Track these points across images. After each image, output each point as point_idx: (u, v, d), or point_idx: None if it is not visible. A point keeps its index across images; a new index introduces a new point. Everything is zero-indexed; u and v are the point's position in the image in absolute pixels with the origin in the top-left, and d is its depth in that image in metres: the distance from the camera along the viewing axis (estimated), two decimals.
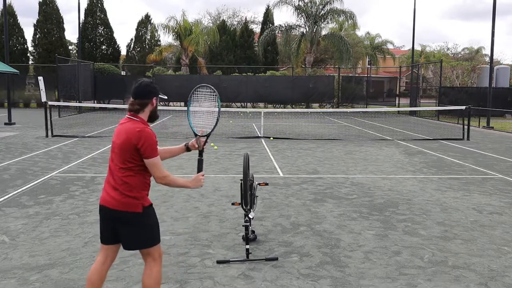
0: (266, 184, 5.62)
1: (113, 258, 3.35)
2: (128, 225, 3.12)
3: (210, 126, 3.53)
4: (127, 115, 3.18)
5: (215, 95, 3.56)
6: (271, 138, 14.76)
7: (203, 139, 3.48)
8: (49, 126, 14.53)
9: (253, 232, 5.19)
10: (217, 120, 3.49)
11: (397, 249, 4.94)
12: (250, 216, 4.69)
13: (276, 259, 4.57)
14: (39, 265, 4.39)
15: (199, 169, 3.42)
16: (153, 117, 3.23)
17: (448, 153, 12.06)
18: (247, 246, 4.59)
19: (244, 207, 4.71)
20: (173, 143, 13.36)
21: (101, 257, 3.29)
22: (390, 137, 15.74)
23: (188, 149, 3.52)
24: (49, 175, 8.58)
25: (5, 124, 18.51)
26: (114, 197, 3.08)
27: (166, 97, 3.41)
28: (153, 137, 3.09)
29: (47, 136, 14.40)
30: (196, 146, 3.49)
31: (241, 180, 4.86)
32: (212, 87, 3.58)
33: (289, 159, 10.76)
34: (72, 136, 14.56)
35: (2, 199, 6.84)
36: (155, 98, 3.20)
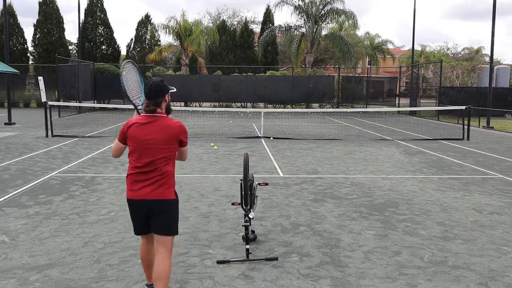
0: (266, 184, 5.62)
1: (153, 241, 3.59)
2: (166, 212, 3.42)
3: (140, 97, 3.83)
4: (145, 114, 3.43)
5: (135, 68, 3.95)
6: (271, 138, 14.75)
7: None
8: (49, 126, 14.53)
9: (253, 232, 5.19)
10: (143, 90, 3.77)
11: (397, 249, 4.94)
12: (250, 216, 4.69)
13: (276, 259, 4.57)
14: (39, 265, 4.39)
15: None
16: (168, 110, 3.52)
17: (448, 153, 12.06)
18: (247, 246, 4.59)
19: (244, 207, 4.71)
20: None
21: (144, 240, 3.63)
22: (390, 137, 15.74)
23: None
24: (49, 175, 8.58)
25: (5, 124, 18.52)
26: (158, 189, 3.37)
27: (174, 89, 3.65)
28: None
29: (47, 136, 14.40)
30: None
31: (241, 180, 4.86)
32: (132, 62, 3.95)
33: (289, 159, 10.76)
34: (72, 136, 14.56)
35: (2, 199, 6.84)
36: (167, 94, 3.48)
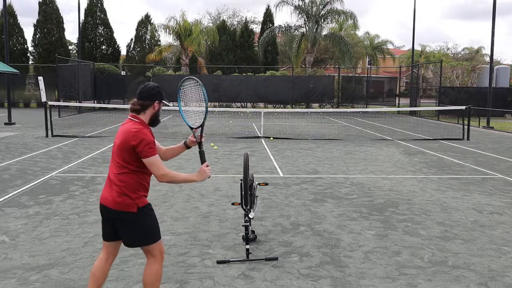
0: (266, 184, 5.62)
1: (115, 255, 3.41)
2: (125, 224, 3.18)
3: (202, 117, 3.51)
4: (129, 116, 3.24)
5: (200, 85, 3.53)
6: (271, 138, 14.75)
7: (199, 130, 3.48)
8: (49, 126, 14.53)
9: (253, 232, 5.19)
10: (207, 109, 3.46)
11: (397, 249, 4.94)
12: (250, 216, 4.69)
13: (276, 259, 4.57)
14: (39, 265, 4.39)
15: (202, 160, 3.42)
16: (154, 121, 3.28)
17: (448, 153, 12.06)
18: (247, 246, 4.59)
19: (244, 207, 4.71)
20: (173, 143, 13.36)
21: (104, 254, 3.37)
22: (390, 137, 15.74)
23: (187, 146, 3.53)
24: (49, 175, 8.58)
25: (5, 124, 18.52)
26: (111, 196, 3.14)
27: (169, 104, 3.43)
28: (150, 137, 3.14)
29: (47, 136, 14.40)
30: (194, 140, 3.50)
31: (241, 180, 4.86)
32: (195, 78, 3.57)
33: (289, 159, 10.76)
34: (72, 136, 14.56)
35: (2, 199, 6.84)
36: (157, 102, 3.25)
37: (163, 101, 3.33)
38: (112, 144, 3.28)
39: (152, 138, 3.16)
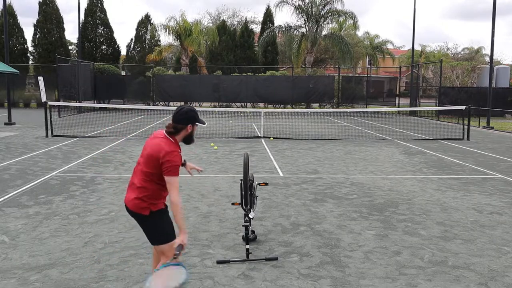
0: (266, 184, 5.62)
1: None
2: (140, 224, 3.52)
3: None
4: (164, 131, 3.50)
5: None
6: (271, 138, 14.75)
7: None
8: (49, 126, 14.53)
9: (253, 232, 5.19)
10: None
11: (397, 249, 4.94)
12: (250, 216, 4.69)
13: (276, 259, 4.57)
14: (39, 265, 4.39)
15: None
16: (188, 140, 3.56)
17: (448, 153, 12.06)
18: (247, 246, 4.59)
19: (244, 207, 4.71)
20: None
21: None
22: (390, 137, 15.74)
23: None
24: (49, 175, 8.58)
25: (5, 124, 18.51)
26: (131, 198, 3.43)
27: (205, 123, 3.65)
28: (178, 159, 3.39)
29: (47, 136, 14.40)
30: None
31: (241, 180, 4.86)
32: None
33: (289, 159, 10.76)
34: (72, 136, 14.56)
35: (2, 199, 6.84)
36: (190, 125, 3.49)
37: (197, 123, 3.55)
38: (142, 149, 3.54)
39: (179, 162, 3.41)
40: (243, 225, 4.78)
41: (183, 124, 3.45)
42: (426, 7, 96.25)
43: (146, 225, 3.46)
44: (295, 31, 34.89)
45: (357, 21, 33.93)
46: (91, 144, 12.86)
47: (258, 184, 5.43)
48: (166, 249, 3.45)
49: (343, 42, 32.91)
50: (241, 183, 4.84)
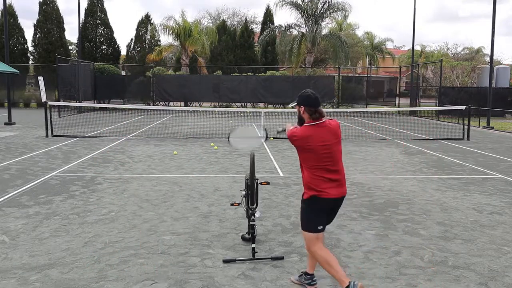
0: (268, 183, 5.61)
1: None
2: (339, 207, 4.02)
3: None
4: (324, 119, 3.91)
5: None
6: (271, 138, 14.75)
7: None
8: (49, 126, 14.53)
9: (253, 232, 5.18)
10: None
11: (397, 249, 4.94)
12: (256, 215, 4.67)
13: (282, 258, 4.56)
14: (39, 265, 4.39)
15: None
16: (299, 121, 4.22)
17: (448, 153, 12.06)
18: (253, 245, 4.58)
19: (250, 206, 4.69)
20: (173, 143, 13.38)
21: (322, 242, 3.84)
22: (390, 137, 15.74)
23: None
24: (49, 175, 8.58)
25: (5, 124, 18.52)
26: (344, 186, 3.92)
27: (294, 103, 4.18)
28: None
29: (47, 136, 14.40)
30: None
31: (246, 179, 4.85)
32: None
33: (289, 159, 10.76)
34: (72, 136, 14.56)
35: (2, 199, 6.84)
36: (298, 106, 4.18)
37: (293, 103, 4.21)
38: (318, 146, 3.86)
39: None
40: (249, 224, 4.77)
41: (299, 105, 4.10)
42: (426, 7, 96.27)
43: (300, 209, 3.86)
44: (295, 31, 34.88)
45: (348, 13, 33.81)
46: (91, 144, 12.86)
47: (259, 183, 5.42)
48: (305, 234, 3.79)
49: (339, 41, 32.82)
50: (246, 183, 4.83)
